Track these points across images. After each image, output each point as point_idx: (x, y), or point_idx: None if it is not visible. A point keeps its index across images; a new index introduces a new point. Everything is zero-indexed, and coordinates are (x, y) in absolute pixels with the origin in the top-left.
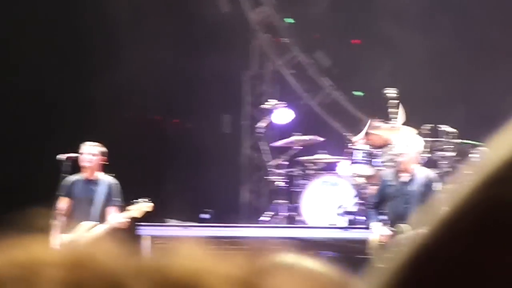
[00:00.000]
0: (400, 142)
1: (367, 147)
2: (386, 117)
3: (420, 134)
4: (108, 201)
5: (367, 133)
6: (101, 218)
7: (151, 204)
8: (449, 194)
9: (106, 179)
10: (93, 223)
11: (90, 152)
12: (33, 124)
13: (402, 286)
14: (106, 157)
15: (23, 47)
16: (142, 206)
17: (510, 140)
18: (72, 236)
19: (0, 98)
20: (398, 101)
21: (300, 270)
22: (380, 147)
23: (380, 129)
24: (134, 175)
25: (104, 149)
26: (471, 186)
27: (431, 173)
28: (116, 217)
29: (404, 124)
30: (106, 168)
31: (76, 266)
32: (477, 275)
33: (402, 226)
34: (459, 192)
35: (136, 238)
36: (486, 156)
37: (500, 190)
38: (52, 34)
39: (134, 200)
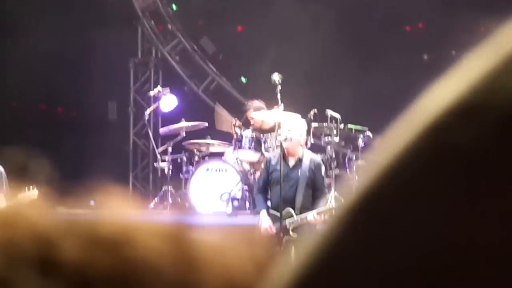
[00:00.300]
0: (285, 127)
1: (252, 133)
2: (273, 103)
3: (305, 118)
4: None
5: (250, 117)
6: None
7: (37, 192)
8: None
9: None
10: None
11: None
12: None
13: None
14: None
15: None
16: (29, 194)
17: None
18: None
19: None
20: (280, 86)
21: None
22: (265, 130)
23: (262, 111)
24: (21, 164)
25: None
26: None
27: (317, 157)
28: (2, 205)
29: (288, 109)
30: None
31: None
32: None
33: (288, 210)
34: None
35: None
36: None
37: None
38: None
39: (22, 190)
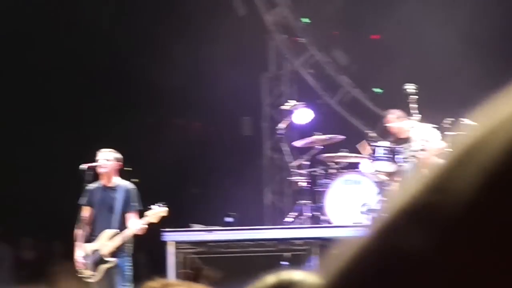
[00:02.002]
0: (420, 138)
1: (388, 144)
2: (407, 113)
3: (441, 128)
4: (126, 207)
5: (387, 127)
6: (121, 224)
7: (166, 209)
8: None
9: (123, 185)
10: (114, 231)
11: (105, 158)
12: (59, 133)
13: None
14: (121, 163)
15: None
16: (158, 211)
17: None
18: (95, 246)
19: (23, 107)
20: (417, 96)
21: None
22: (402, 140)
23: (399, 120)
24: (157, 180)
25: (119, 155)
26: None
27: None
28: (135, 224)
29: (423, 119)
30: (130, 174)
31: None
32: None
33: None
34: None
35: (162, 244)
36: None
37: (395, 241)
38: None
39: (151, 206)
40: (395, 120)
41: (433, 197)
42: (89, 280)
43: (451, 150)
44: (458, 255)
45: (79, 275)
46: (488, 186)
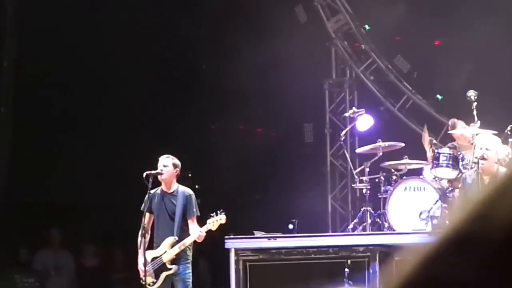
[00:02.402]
0: (480, 144)
1: (449, 151)
2: (471, 120)
3: (503, 135)
4: (185, 213)
5: (450, 134)
6: (181, 230)
7: (225, 217)
8: None
9: (181, 191)
10: (175, 238)
11: (163, 164)
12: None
13: None
14: (179, 169)
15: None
16: (217, 218)
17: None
18: (156, 253)
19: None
20: (476, 103)
21: None
22: (464, 148)
23: (462, 127)
24: (220, 186)
25: (177, 161)
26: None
27: None
28: (195, 231)
29: (484, 126)
30: (191, 179)
31: None
32: None
33: None
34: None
35: (222, 252)
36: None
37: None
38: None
39: (210, 214)
40: (458, 127)
41: (475, 226)
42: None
43: (495, 180)
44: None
45: (141, 282)
46: None
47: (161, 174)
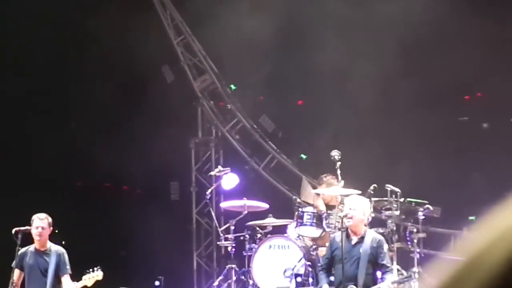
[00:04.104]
0: (347, 204)
1: (313, 209)
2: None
3: (365, 194)
4: (59, 270)
5: (317, 194)
6: (53, 287)
7: (101, 273)
8: None
9: (55, 249)
10: None
11: (40, 225)
12: None
13: None
14: (52, 227)
15: None
16: (93, 275)
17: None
18: None
19: None
20: (340, 163)
21: None
22: (332, 206)
23: (327, 186)
24: (90, 243)
25: (50, 219)
26: None
27: (377, 235)
28: (70, 286)
29: (347, 185)
30: (62, 238)
31: None
32: None
33: (351, 287)
34: None
35: None
36: None
37: None
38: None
39: (87, 270)
40: (326, 184)
41: None
42: None
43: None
44: None
45: None
46: None
47: (38, 234)
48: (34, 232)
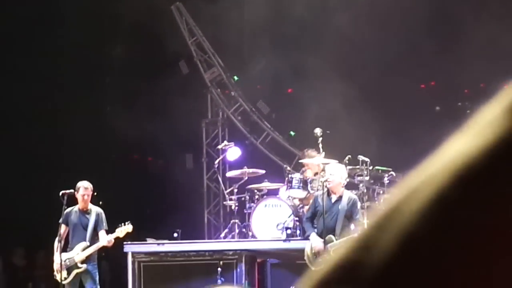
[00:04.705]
0: (328, 170)
1: (300, 176)
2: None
3: (342, 162)
4: (97, 226)
5: (303, 164)
6: (93, 240)
7: (131, 226)
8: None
9: (94, 209)
10: (87, 243)
11: (85, 193)
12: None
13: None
14: (92, 191)
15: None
16: (125, 228)
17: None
18: (70, 255)
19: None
20: (322, 137)
21: None
22: (316, 173)
23: (314, 158)
24: (122, 203)
25: (92, 186)
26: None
27: (353, 194)
28: (105, 238)
29: (327, 156)
30: (100, 199)
31: None
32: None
33: (330, 236)
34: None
35: (124, 254)
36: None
37: None
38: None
39: (119, 224)
40: (308, 156)
41: (359, 255)
42: (63, 282)
43: (379, 209)
44: None
45: (55, 278)
46: (402, 247)
47: (83, 195)
48: (80, 197)
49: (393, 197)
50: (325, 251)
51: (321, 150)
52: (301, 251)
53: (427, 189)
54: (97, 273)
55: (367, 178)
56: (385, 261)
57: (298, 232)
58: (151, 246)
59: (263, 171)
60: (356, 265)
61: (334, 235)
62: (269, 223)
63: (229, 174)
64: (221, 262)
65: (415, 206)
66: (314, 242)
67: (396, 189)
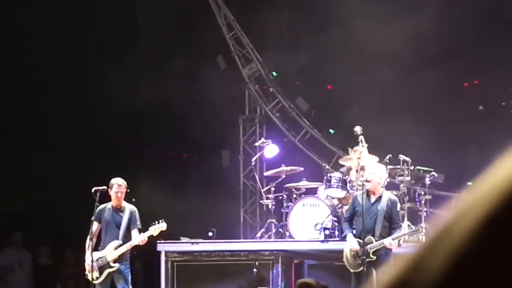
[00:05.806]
0: (367, 170)
1: (339, 175)
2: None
3: (382, 162)
4: (130, 224)
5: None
6: (126, 238)
7: (165, 225)
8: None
9: (128, 207)
10: (120, 242)
11: (119, 190)
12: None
13: None
14: (127, 189)
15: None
16: (159, 226)
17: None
18: (102, 253)
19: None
20: (362, 136)
21: None
22: (357, 171)
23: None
24: (155, 201)
25: (126, 184)
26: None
27: (392, 195)
28: (138, 237)
29: (368, 154)
30: (133, 196)
31: None
32: None
33: (369, 237)
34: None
35: (157, 254)
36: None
37: None
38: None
39: (153, 222)
40: (349, 155)
41: (410, 275)
42: (94, 282)
43: (431, 231)
44: None
45: (86, 277)
46: (453, 268)
47: (117, 193)
48: (113, 194)
49: (444, 217)
50: (360, 257)
51: (361, 149)
52: (340, 252)
53: (477, 210)
54: (129, 273)
55: (408, 178)
56: (435, 281)
57: (336, 233)
58: (185, 245)
59: (301, 169)
60: (407, 285)
61: (373, 236)
62: (307, 223)
63: (267, 173)
64: (257, 263)
65: (465, 226)
66: (351, 243)
67: (448, 209)
